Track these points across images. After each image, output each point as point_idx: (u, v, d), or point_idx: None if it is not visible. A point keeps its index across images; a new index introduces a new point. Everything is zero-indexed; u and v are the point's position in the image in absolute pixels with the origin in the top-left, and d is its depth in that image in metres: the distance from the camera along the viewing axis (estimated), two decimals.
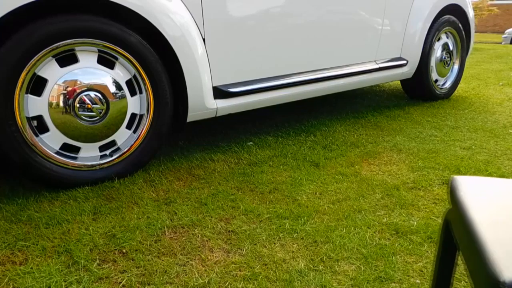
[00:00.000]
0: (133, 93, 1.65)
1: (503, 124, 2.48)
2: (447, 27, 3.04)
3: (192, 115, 1.79)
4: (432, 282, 0.76)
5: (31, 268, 1.10)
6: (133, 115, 1.67)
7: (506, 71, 4.78)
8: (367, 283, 1.07)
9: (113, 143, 1.65)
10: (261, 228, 1.31)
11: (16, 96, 1.41)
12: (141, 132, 1.68)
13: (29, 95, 1.45)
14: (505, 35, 12.02)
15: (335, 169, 1.78)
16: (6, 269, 1.10)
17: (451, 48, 3.16)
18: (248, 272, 1.10)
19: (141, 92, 1.67)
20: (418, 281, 1.08)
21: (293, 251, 1.20)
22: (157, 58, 1.65)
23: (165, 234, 1.28)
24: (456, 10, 3.09)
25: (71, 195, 1.51)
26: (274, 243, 1.24)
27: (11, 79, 1.39)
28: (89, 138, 1.57)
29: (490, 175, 1.69)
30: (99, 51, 1.55)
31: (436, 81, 3.12)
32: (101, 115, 1.57)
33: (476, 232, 0.57)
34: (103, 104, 1.56)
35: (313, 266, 1.13)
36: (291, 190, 1.58)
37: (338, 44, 2.35)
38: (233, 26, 1.87)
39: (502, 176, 1.68)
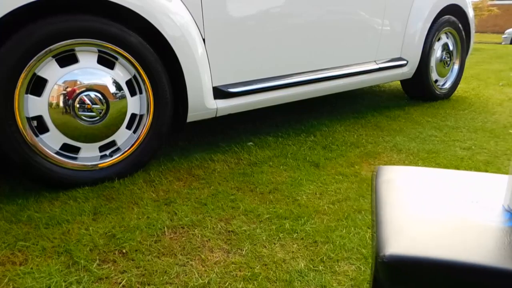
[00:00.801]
0: (133, 93, 1.65)
1: (503, 125, 2.48)
2: (447, 27, 3.04)
3: (192, 115, 1.79)
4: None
5: (31, 268, 1.10)
6: (133, 115, 1.67)
7: (506, 71, 4.78)
8: (367, 283, 1.07)
9: (113, 143, 1.65)
10: (261, 228, 1.31)
11: (16, 96, 1.41)
12: (141, 132, 1.68)
13: (29, 95, 1.45)
14: (505, 35, 12.03)
15: (335, 169, 1.78)
16: (6, 269, 1.10)
17: (451, 48, 3.16)
18: (248, 272, 1.10)
19: (141, 92, 1.67)
20: None
21: (293, 251, 1.20)
22: (157, 58, 1.65)
23: (165, 234, 1.28)
24: (456, 11, 3.09)
25: (71, 195, 1.51)
26: (274, 243, 1.24)
27: (11, 79, 1.39)
28: (89, 138, 1.57)
29: None
30: (99, 51, 1.55)
31: (436, 81, 3.12)
32: (101, 115, 1.57)
33: (377, 214, 0.62)
34: (103, 104, 1.56)
35: (313, 266, 1.13)
36: (291, 190, 1.58)
37: (338, 44, 2.35)
38: (233, 26, 1.87)
39: None
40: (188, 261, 1.15)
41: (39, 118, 1.48)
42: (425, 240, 0.54)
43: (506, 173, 1.79)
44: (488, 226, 0.58)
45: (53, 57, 1.47)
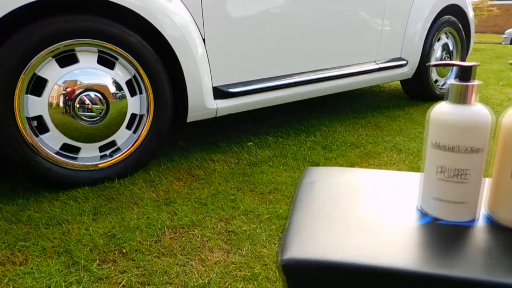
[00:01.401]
0: (133, 93, 1.65)
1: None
2: (447, 28, 3.04)
3: (192, 115, 1.79)
4: None
5: (31, 268, 1.10)
6: (133, 116, 1.67)
7: (506, 71, 4.78)
8: None
9: (113, 143, 1.65)
10: (261, 228, 1.31)
11: (16, 96, 1.41)
12: (141, 132, 1.68)
13: (29, 95, 1.45)
14: (505, 36, 12.04)
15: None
16: (6, 269, 1.10)
17: (451, 48, 3.16)
18: (248, 272, 1.10)
19: (141, 93, 1.67)
20: None
21: None
22: (157, 58, 1.65)
23: (165, 234, 1.28)
24: (456, 11, 3.09)
25: (71, 195, 1.51)
26: (274, 243, 1.23)
27: (11, 79, 1.39)
28: (89, 138, 1.57)
29: (489, 175, 1.69)
30: (99, 51, 1.55)
31: (436, 81, 3.12)
32: (101, 115, 1.57)
33: (289, 215, 0.63)
34: (103, 105, 1.56)
35: None
36: (291, 190, 1.58)
37: (338, 45, 2.35)
38: (233, 26, 1.87)
39: None
40: (188, 261, 1.15)
41: (39, 118, 1.48)
42: (327, 243, 0.53)
43: None
44: (398, 226, 0.57)
45: (53, 57, 1.47)
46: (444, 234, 0.55)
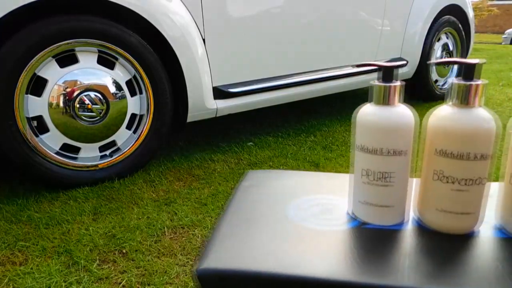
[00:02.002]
0: (133, 94, 1.65)
1: (503, 125, 2.48)
2: (447, 28, 3.04)
3: (192, 115, 1.79)
4: None
5: (31, 268, 1.10)
6: (133, 116, 1.67)
7: (506, 71, 4.78)
8: None
9: (113, 143, 1.65)
10: None
11: (16, 96, 1.41)
12: (141, 132, 1.68)
13: (29, 96, 1.45)
14: (505, 36, 12.04)
15: (335, 170, 1.78)
16: (6, 269, 1.10)
17: (451, 48, 3.16)
18: None
19: (141, 93, 1.67)
20: None
21: None
22: (157, 59, 1.65)
23: (165, 234, 1.28)
24: (456, 11, 3.09)
25: (71, 195, 1.51)
26: None
27: (11, 79, 1.39)
28: (89, 138, 1.57)
29: (489, 175, 1.68)
30: (99, 51, 1.55)
31: (436, 81, 3.12)
32: (101, 115, 1.57)
33: (216, 222, 0.61)
34: (103, 105, 1.56)
35: None
36: None
37: (338, 45, 2.35)
38: (233, 26, 1.87)
39: (502, 176, 1.68)
40: (188, 261, 1.15)
41: (39, 118, 1.48)
42: (249, 251, 0.51)
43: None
44: (326, 231, 0.55)
45: (53, 57, 1.47)
46: (369, 238, 0.54)
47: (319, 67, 2.28)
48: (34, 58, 1.42)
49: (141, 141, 1.68)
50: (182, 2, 1.68)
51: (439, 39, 3.04)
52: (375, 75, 2.59)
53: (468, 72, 0.53)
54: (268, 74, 2.06)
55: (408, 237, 0.54)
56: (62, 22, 1.44)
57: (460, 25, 3.15)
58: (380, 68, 0.56)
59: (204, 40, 1.76)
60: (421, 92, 3.08)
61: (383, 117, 0.54)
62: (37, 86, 1.46)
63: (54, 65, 1.48)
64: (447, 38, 3.13)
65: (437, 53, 3.04)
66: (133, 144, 1.67)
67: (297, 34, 2.12)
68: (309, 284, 0.46)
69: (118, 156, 1.65)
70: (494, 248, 0.52)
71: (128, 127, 1.66)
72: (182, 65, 1.68)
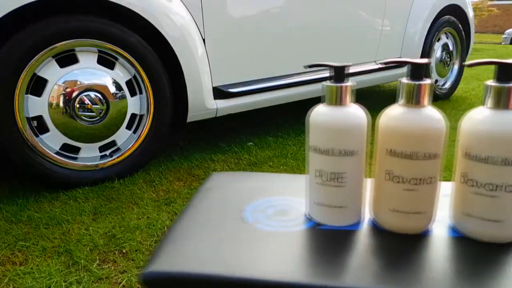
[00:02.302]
0: (133, 94, 1.65)
1: None
2: (447, 28, 3.04)
3: (192, 115, 1.79)
4: None
5: (31, 268, 1.10)
6: (133, 116, 1.67)
7: None
8: None
9: (113, 143, 1.65)
10: None
11: (16, 97, 1.41)
12: (141, 132, 1.68)
13: (29, 96, 1.45)
14: (504, 36, 12.04)
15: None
16: (6, 269, 1.10)
17: (451, 48, 3.16)
18: None
19: (141, 93, 1.67)
20: None
21: None
22: (157, 59, 1.65)
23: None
24: (456, 11, 3.09)
25: (71, 195, 1.51)
26: None
27: (11, 79, 1.39)
28: (89, 138, 1.57)
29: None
30: (99, 51, 1.55)
31: (436, 81, 3.12)
32: (101, 115, 1.57)
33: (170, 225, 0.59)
34: (103, 105, 1.56)
35: None
36: None
37: (338, 44, 2.35)
38: (233, 26, 1.87)
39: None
40: None
41: (39, 118, 1.48)
42: (199, 254, 0.50)
43: None
44: (281, 233, 0.55)
45: (53, 57, 1.47)
46: (323, 239, 0.53)
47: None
48: (34, 58, 1.42)
49: (141, 141, 1.68)
50: (182, 2, 1.68)
51: (439, 39, 3.04)
52: (375, 75, 2.59)
53: (416, 71, 0.53)
54: (268, 74, 2.06)
55: (362, 238, 0.54)
56: (62, 22, 1.44)
57: (460, 25, 3.15)
58: (332, 68, 0.55)
59: (204, 40, 1.76)
60: None
61: (334, 117, 0.54)
62: (37, 86, 1.46)
63: (54, 65, 1.48)
64: (447, 38, 3.13)
65: (437, 53, 3.04)
66: (133, 144, 1.67)
67: (297, 34, 2.12)
68: (257, 286, 0.46)
69: (118, 156, 1.65)
70: (446, 247, 0.52)
71: (128, 127, 1.66)
72: (182, 65, 1.68)
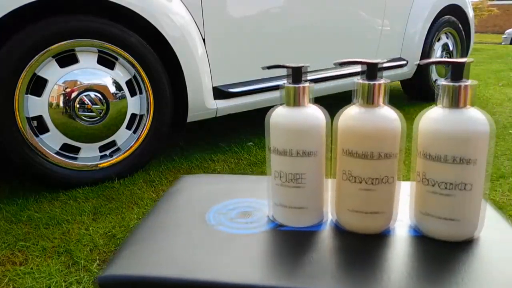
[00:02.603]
0: (133, 94, 1.65)
1: (503, 125, 2.48)
2: (447, 28, 3.04)
3: (192, 115, 1.79)
4: None
5: (31, 268, 1.10)
6: (133, 116, 1.67)
7: (506, 71, 4.78)
8: None
9: (113, 143, 1.65)
10: None
11: (16, 97, 1.41)
12: (141, 132, 1.68)
13: (29, 96, 1.45)
14: (505, 36, 12.04)
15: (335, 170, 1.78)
16: (6, 269, 1.10)
17: (451, 48, 3.16)
18: None
19: (141, 93, 1.67)
20: None
21: None
22: (157, 59, 1.65)
23: None
24: (456, 11, 3.09)
25: (71, 195, 1.51)
26: None
27: (11, 79, 1.39)
28: (89, 138, 1.57)
29: (489, 175, 1.69)
30: (99, 51, 1.55)
31: (436, 81, 3.12)
32: (101, 115, 1.57)
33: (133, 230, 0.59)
34: (103, 105, 1.56)
35: None
36: None
37: (338, 44, 2.35)
38: (233, 26, 1.87)
39: (501, 176, 1.68)
40: None
41: (39, 118, 1.48)
42: (158, 258, 0.49)
43: (506, 174, 1.77)
44: (243, 235, 0.54)
45: (53, 57, 1.47)
46: (283, 241, 0.53)
47: (319, 67, 2.28)
48: (34, 58, 1.42)
49: (141, 141, 1.68)
50: (182, 2, 1.68)
51: (439, 39, 3.04)
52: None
53: (371, 71, 0.53)
54: (268, 74, 2.06)
55: (323, 239, 0.54)
56: (62, 22, 1.44)
57: (460, 25, 3.15)
58: (290, 69, 0.55)
59: (204, 40, 1.76)
60: (421, 92, 3.08)
61: (291, 119, 0.54)
62: (37, 86, 1.46)
63: (54, 65, 1.48)
64: (447, 38, 3.13)
65: (437, 53, 3.04)
66: (133, 144, 1.67)
67: (297, 34, 2.12)
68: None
69: (118, 156, 1.65)
70: (406, 246, 0.52)
71: (128, 127, 1.66)
72: (182, 65, 1.68)
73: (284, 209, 0.57)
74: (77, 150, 1.58)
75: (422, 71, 2.91)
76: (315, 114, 0.55)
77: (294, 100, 0.55)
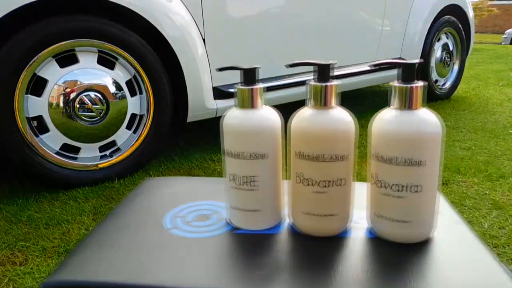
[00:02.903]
0: (133, 94, 1.65)
1: (503, 125, 2.48)
2: (447, 28, 3.04)
3: (192, 115, 1.79)
4: None
5: (31, 268, 1.10)
6: (133, 116, 1.67)
7: (506, 71, 4.78)
8: None
9: (113, 143, 1.65)
10: None
11: (16, 97, 1.41)
12: (141, 132, 1.68)
13: (29, 96, 1.45)
14: (505, 36, 12.03)
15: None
16: (6, 269, 1.10)
17: (451, 48, 3.16)
18: None
19: (141, 93, 1.67)
20: None
21: None
22: (157, 58, 1.65)
23: None
24: (456, 11, 3.09)
25: (71, 195, 1.51)
26: None
27: (11, 79, 1.39)
28: (89, 138, 1.57)
29: (490, 175, 1.69)
30: (99, 51, 1.55)
31: (436, 81, 3.12)
32: (101, 115, 1.57)
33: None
34: (103, 105, 1.56)
35: None
36: None
37: (338, 45, 2.35)
38: (233, 26, 1.87)
39: (501, 176, 1.68)
40: None
41: (39, 118, 1.48)
42: (108, 263, 0.48)
43: (506, 174, 1.77)
44: (197, 239, 0.54)
45: (53, 57, 1.47)
46: (237, 244, 0.53)
47: None
48: (34, 58, 1.42)
49: (141, 141, 1.68)
50: (182, 2, 1.68)
51: (439, 39, 3.04)
52: (376, 75, 2.59)
53: (323, 72, 0.53)
54: (268, 74, 2.06)
55: (277, 242, 0.53)
56: (62, 22, 1.44)
57: (460, 25, 3.14)
58: (242, 71, 0.55)
59: (204, 40, 1.76)
60: None
61: (242, 121, 0.54)
62: (37, 86, 1.46)
63: (54, 65, 1.48)
64: (447, 38, 3.13)
65: (437, 53, 3.04)
66: (133, 144, 1.67)
67: (297, 34, 2.12)
68: None
69: (118, 156, 1.64)
70: (361, 249, 0.52)
71: (128, 127, 1.66)
72: (182, 65, 1.68)
73: (239, 212, 0.56)
74: (77, 150, 1.58)
75: (422, 71, 2.91)
76: (268, 116, 0.55)
77: (248, 102, 0.54)
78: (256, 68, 0.55)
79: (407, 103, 0.50)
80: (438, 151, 0.51)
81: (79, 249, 0.52)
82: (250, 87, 0.54)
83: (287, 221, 0.58)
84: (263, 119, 0.54)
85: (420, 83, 0.50)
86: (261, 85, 0.55)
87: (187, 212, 0.61)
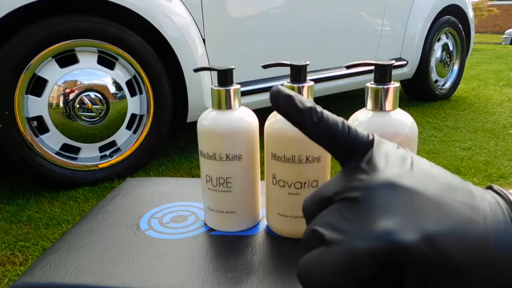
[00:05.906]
0: (133, 94, 1.65)
1: (503, 125, 2.48)
2: (447, 28, 3.04)
3: (192, 115, 1.79)
4: None
5: None
6: (133, 116, 1.67)
7: (506, 71, 4.78)
8: None
9: (113, 143, 1.65)
10: None
11: (16, 97, 1.41)
12: (141, 132, 1.68)
13: (29, 96, 1.45)
14: (505, 36, 12.03)
15: (335, 170, 1.78)
16: (6, 269, 1.10)
17: (451, 48, 3.16)
18: None
19: (141, 93, 1.67)
20: None
21: None
22: (157, 59, 1.65)
23: None
24: (456, 11, 3.09)
25: (71, 195, 1.51)
26: None
27: (11, 79, 1.39)
28: (89, 138, 1.57)
29: (489, 175, 1.69)
30: (99, 51, 1.55)
31: (436, 81, 3.12)
32: (101, 115, 1.57)
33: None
34: (103, 105, 1.56)
35: None
36: None
37: (338, 45, 2.35)
38: (233, 26, 1.87)
39: (501, 176, 1.68)
40: None
41: (39, 119, 1.48)
42: (80, 265, 0.48)
43: (506, 174, 1.77)
44: (173, 241, 0.53)
45: (53, 57, 1.47)
46: (211, 246, 0.52)
47: (319, 67, 2.28)
48: (34, 58, 1.42)
49: (141, 141, 1.68)
50: (182, 2, 1.68)
51: (439, 39, 3.04)
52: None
53: (296, 73, 0.53)
54: (268, 74, 2.06)
55: (252, 243, 0.53)
56: (62, 23, 1.44)
57: (460, 25, 3.15)
58: (218, 71, 0.54)
59: (204, 40, 1.76)
60: (421, 93, 3.08)
61: (216, 122, 0.53)
62: (37, 86, 1.46)
63: (54, 65, 1.48)
64: (447, 38, 3.13)
65: (437, 53, 3.04)
66: (133, 144, 1.67)
67: (297, 34, 2.12)
68: None
69: (118, 156, 1.64)
70: None
71: (128, 127, 1.66)
72: (182, 65, 1.68)
73: (214, 213, 0.56)
74: (77, 150, 1.58)
75: (422, 71, 2.91)
76: (243, 117, 0.54)
77: (222, 103, 0.54)
78: (231, 69, 0.54)
79: (380, 104, 0.50)
80: (415, 151, 0.50)
81: (49, 251, 0.52)
82: (225, 88, 0.53)
83: (264, 222, 0.58)
84: (237, 120, 0.53)
85: (394, 85, 0.50)
86: (237, 86, 0.54)
87: (165, 213, 0.61)
